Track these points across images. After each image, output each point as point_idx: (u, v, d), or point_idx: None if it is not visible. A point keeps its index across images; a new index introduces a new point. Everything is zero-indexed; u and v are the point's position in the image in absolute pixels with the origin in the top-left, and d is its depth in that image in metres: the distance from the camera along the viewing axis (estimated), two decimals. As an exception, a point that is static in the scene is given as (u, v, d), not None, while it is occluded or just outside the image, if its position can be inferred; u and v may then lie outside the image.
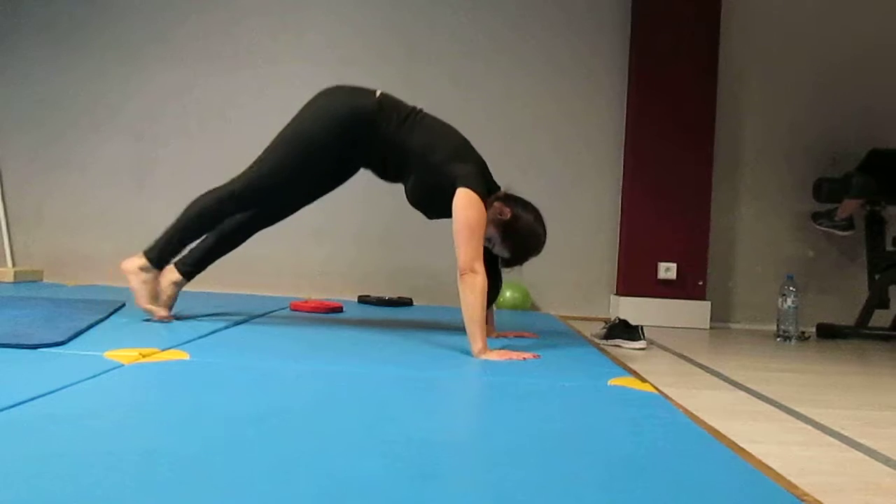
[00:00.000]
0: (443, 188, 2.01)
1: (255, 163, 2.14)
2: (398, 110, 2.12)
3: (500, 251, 2.09)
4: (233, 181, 2.13)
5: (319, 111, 2.12)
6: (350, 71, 3.64)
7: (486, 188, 2.01)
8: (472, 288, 1.88)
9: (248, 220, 2.24)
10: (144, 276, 2.11)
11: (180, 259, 2.23)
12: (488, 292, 2.03)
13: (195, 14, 3.85)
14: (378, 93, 2.13)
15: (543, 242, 2.09)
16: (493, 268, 2.15)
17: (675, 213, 3.58)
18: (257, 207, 2.20)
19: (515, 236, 2.05)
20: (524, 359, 1.87)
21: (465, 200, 1.94)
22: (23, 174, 3.89)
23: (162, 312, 2.13)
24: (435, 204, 2.13)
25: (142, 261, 2.11)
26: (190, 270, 2.24)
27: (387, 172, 2.20)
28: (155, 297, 2.14)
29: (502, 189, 2.13)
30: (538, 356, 1.91)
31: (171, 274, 2.21)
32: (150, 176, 3.84)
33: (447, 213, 2.02)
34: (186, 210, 2.14)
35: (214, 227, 2.20)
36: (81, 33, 3.87)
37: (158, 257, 2.13)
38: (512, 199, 2.07)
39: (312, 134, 2.10)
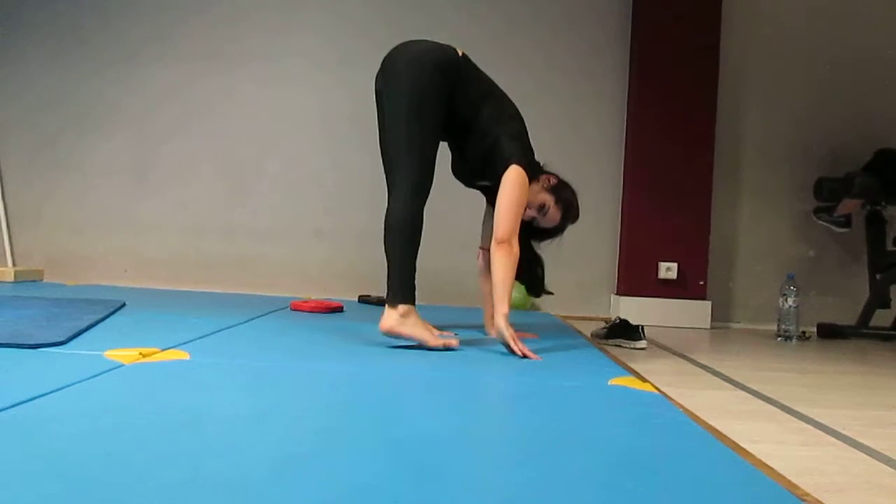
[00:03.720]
0: (493, 156, 2.09)
1: (396, 153, 2.05)
2: (477, 71, 2.17)
3: (553, 216, 2.19)
4: (396, 187, 2.06)
5: (413, 66, 2.02)
6: (350, 70, 3.65)
7: (532, 171, 2.11)
8: (509, 254, 2.00)
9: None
10: (412, 319, 2.01)
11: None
12: (535, 272, 2.26)
13: (195, 13, 3.85)
14: (460, 51, 2.15)
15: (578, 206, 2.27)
16: (533, 251, 2.28)
17: (675, 213, 3.58)
18: (429, 188, 2.07)
19: (564, 198, 2.21)
20: (523, 355, 1.89)
21: (517, 179, 2.04)
22: (23, 174, 3.89)
23: (453, 342, 2.03)
24: (482, 170, 2.17)
25: (395, 312, 1.99)
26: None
27: (447, 129, 2.13)
28: (433, 330, 2.05)
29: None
30: (539, 357, 1.91)
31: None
32: (151, 175, 3.84)
33: (486, 179, 2.16)
34: (391, 247, 2.11)
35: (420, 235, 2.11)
36: (81, 32, 3.87)
37: (405, 295, 2.02)
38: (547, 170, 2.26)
39: (422, 87, 2.01)
